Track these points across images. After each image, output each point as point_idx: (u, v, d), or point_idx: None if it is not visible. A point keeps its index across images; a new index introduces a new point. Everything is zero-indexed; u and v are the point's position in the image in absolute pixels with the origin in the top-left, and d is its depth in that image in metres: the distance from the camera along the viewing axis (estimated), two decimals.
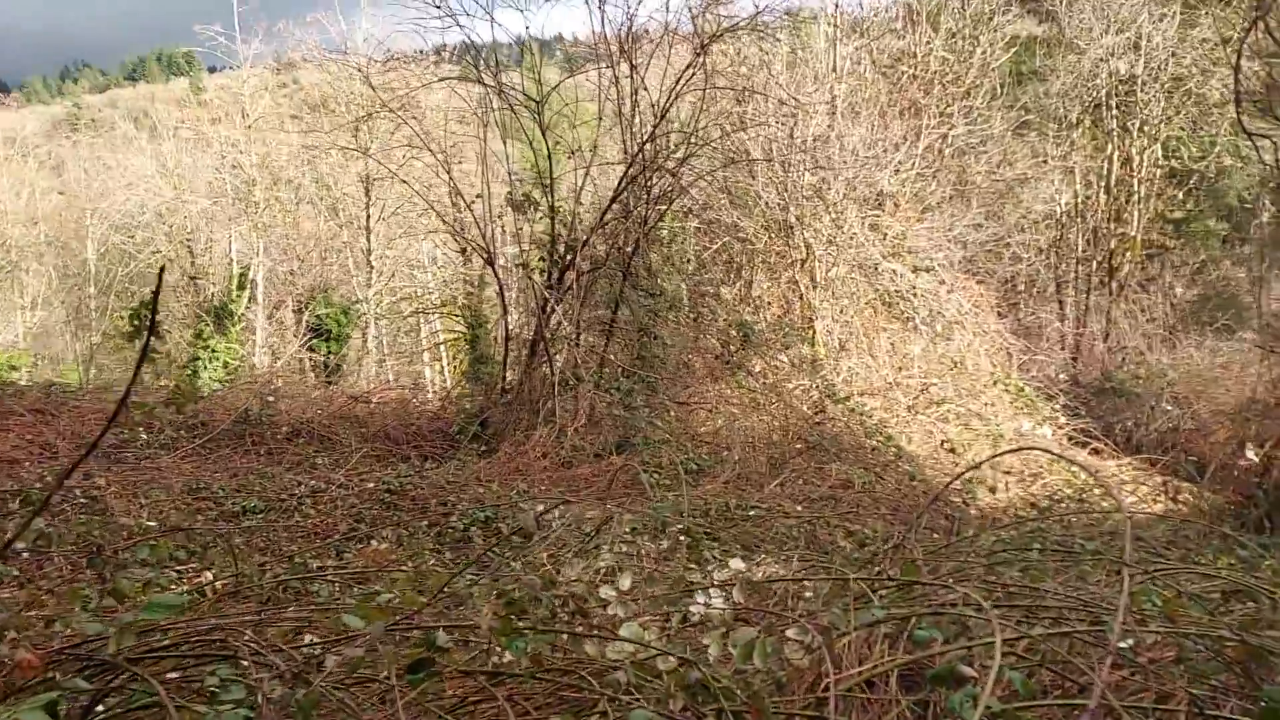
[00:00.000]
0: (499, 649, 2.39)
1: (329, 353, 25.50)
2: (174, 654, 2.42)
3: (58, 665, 2.26)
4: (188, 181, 30.30)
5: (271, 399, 11.56)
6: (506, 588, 2.41)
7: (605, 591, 3.20)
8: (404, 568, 5.02)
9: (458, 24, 10.86)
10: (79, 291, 32.62)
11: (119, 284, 32.02)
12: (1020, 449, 11.40)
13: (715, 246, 14.57)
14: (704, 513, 7.94)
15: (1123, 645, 2.87)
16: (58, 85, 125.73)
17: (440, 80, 11.93)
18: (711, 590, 3.35)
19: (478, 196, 11.20)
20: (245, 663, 2.16)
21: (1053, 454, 8.64)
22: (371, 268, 26.67)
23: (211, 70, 41.03)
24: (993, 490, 9.40)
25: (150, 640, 2.54)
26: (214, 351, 26.25)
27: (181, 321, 29.90)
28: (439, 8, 10.35)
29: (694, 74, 10.57)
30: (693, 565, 5.44)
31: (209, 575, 5.34)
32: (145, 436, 9.91)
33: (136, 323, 2.47)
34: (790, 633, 2.96)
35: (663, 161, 10.79)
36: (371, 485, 8.14)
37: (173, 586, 5.18)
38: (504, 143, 10.87)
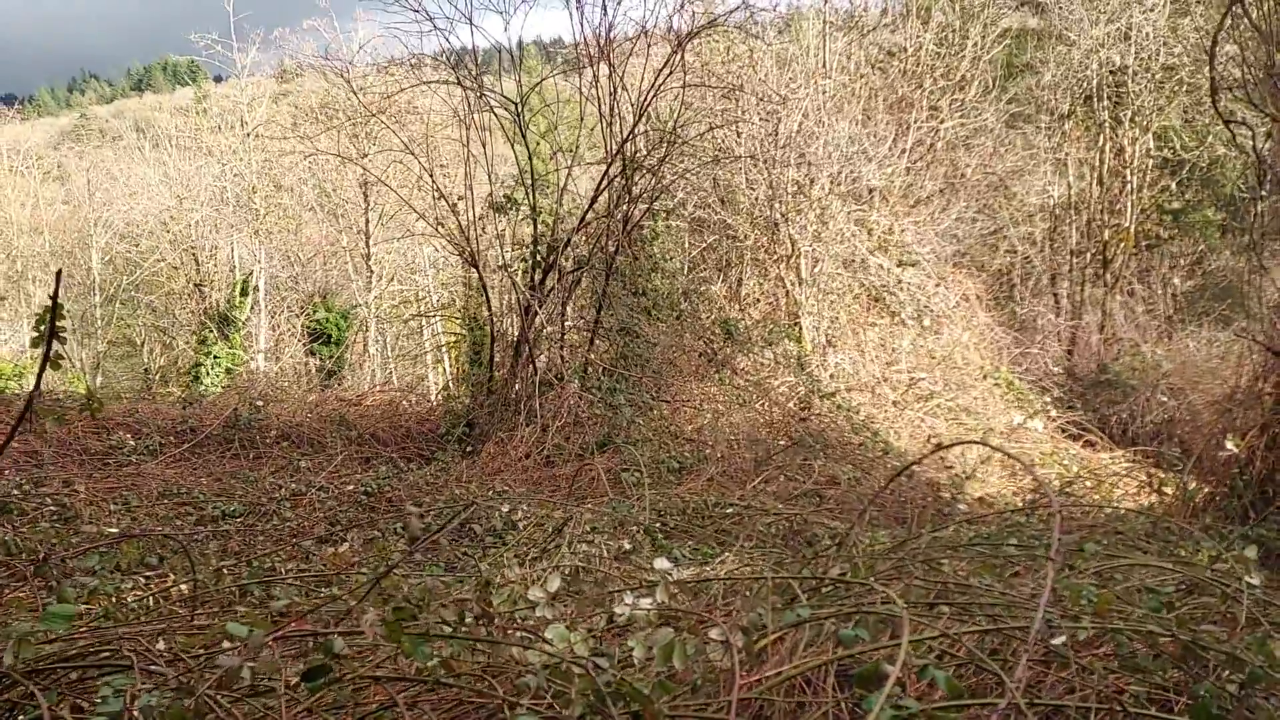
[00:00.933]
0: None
1: (329, 357, 25.59)
2: (78, 665, 2.43)
3: None
4: (190, 190, 30.48)
5: (260, 403, 11.60)
6: (398, 591, 2.41)
7: (534, 593, 3.21)
8: (363, 571, 5.03)
9: (435, 27, 10.87)
10: (84, 300, 32.83)
11: (124, 292, 32.21)
12: (959, 443, 11.39)
13: (704, 245, 14.57)
14: (681, 510, 7.94)
15: (1056, 642, 2.86)
16: (65, 97, 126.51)
17: (420, 84, 11.93)
18: (644, 590, 3.35)
19: (460, 198, 11.22)
20: (136, 673, 2.17)
21: (994, 448, 8.57)
22: (371, 272, 26.79)
23: (217, 80, 41.26)
24: (958, 486, 9.36)
25: (64, 649, 2.56)
26: (216, 358, 26.42)
27: (187, 328, 30.12)
28: (416, 12, 10.37)
29: (672, 72, 10.57)
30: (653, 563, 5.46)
31: (172, 580, 5.38)
32: (132, 443, 9.97)
33: (40, 329, 2.46)
34: (712, 633, 2.96)
35: (643, 160, 10.80)
36: (351, 488, 8.16)
37: (133, 594, 5.22)
38: (483, 145, 10.88)
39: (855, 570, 3.77)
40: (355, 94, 12.84)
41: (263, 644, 2.02)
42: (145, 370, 32.04)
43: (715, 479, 9.43)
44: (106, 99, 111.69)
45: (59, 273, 2.34)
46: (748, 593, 3.72)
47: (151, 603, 5.03)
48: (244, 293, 27.96)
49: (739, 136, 13.84)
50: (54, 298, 2.53)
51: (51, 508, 6.29)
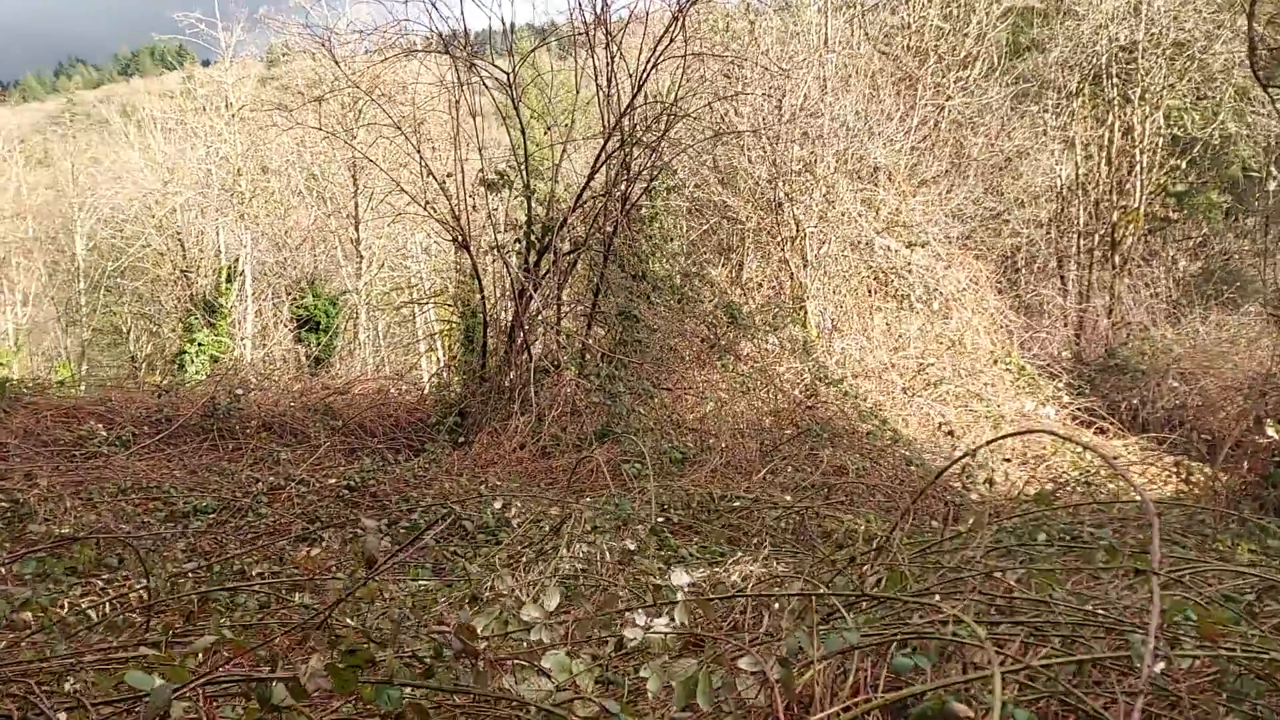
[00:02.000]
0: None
1: (317, 344, 25.05)
2: None
3: None
4: (174, 174, 29.88)
5: (240, 392, 11.09)
6: (351, 629, 1.92)
7: (528, 612, 2.72)
8: (338, 575, 4.54)
9: None
10: (69, 287, 32.25)
11: (109, 279, 31.61)
12: (1025, 431, 10.89)
13: (705, 227, 14.05)
14: (686, 504, 7.47)
15: (1157, 669, 2.39)
16: (52, 82, 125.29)
17: (409, 53, 11.36)
18: (656, 606, 2.88)
19: (448, 175, 10.68)
20: None
21: (1059, 436, 8.12)
22: (361, 257, 26.21)
23: (205, 64, 40.53)
24: (990, 483, 8.88)
25: None
26: (201, 345, 25.86)
27: (173, 315, 29.55)
28: None
29: (671, 41, 10.03)
30: (661, 565, 4.99)
31: (129, 585, 4.89)
32: (103, 433, 9.45)
33: None
34: (743, 663, 2.47)
35: (641, 135, 10.27)
36: (333, 481, 7.67)
37: (87, 599, 4.73)
38: (474, 120, 10.34)
39: (898, 579, 3.30)
40: (339, 65, 12.28)
41: (169, 700, 1.54)
42: (132, 358, 31.49)
43: (720, 470, 8.96)
44: (94, 84, 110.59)
45: None
46: (776, 606, 3.24)
47: (107, 609, 4.55)
48: (230, 279, 27.38)
49: (740, 112, 13.32)
50: None
51: (3, 504, 5.79)
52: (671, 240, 12.88)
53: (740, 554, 5.36)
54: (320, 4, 25.04)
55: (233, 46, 29.14)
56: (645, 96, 10.43)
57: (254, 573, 5.24)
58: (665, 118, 10.39)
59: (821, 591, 2.90)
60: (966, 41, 17.15)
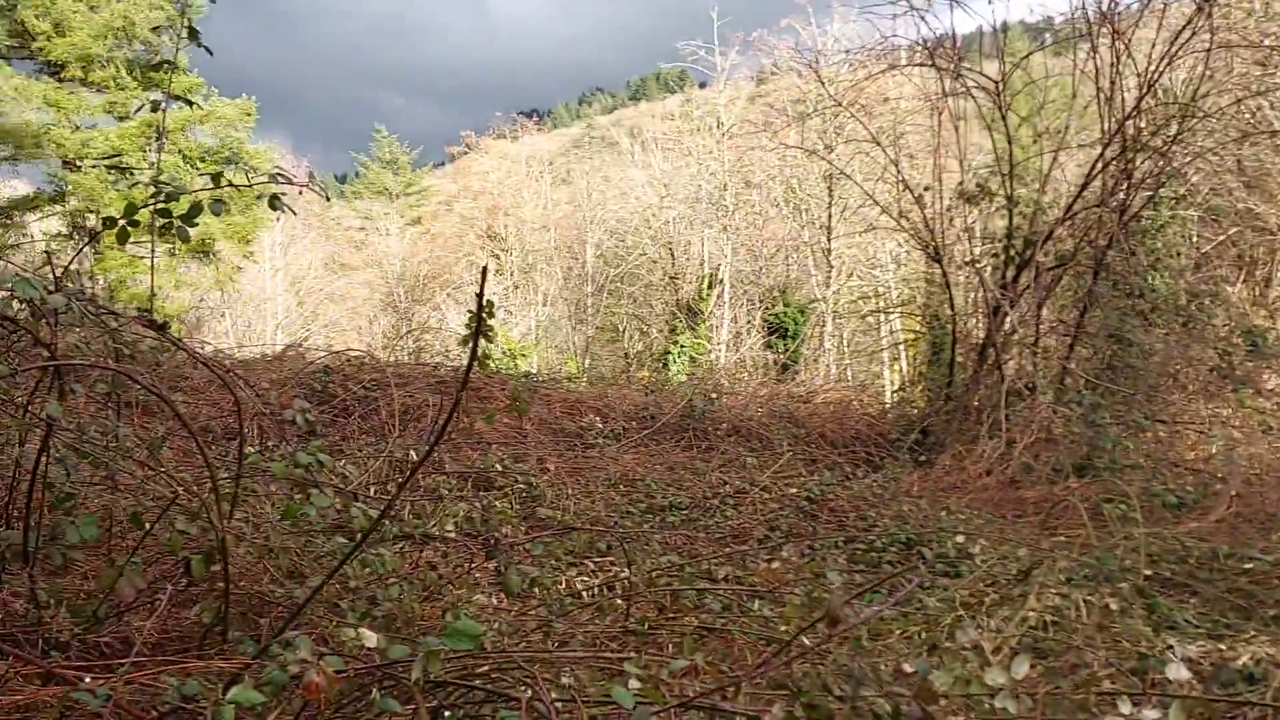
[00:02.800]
0: None
1: (784, 350, 25.98)
2: (476, 686, 2.26)
3: (363, 683, 2.20)
4: (669, 189, 32.80)
5: (715, 395, 11.81)
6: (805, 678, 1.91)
7: (993, 676, 2.53)
8: (795, 593, 4.63)
9: (912, 7, 10.17)
10: (579, 290, 36.79)
11: (610, 283, 35.48)
12: None
13: (1220, 238, 12.20)
14: (1181, 559, 6.54)
15: None
16: (576, 109, 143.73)
17: (891, 69, 11.30)
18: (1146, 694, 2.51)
19: (926, 188, 10.44)
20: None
21: None
22: (831, 266, 26.74)
23: (701, 86, 43.96)
24: None
25: (466, 662, 2.43)
26: (682, 346, 28.09)
27: (661, 318, 32.58)
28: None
29: (1194, 34, 8.83)
30: (1148, 631, 4.39)
31: (614, 572, 5.43)
32: (600, 425, 10.60)
33: (470, 326, 2.31)
34: None
35: (1148, 139, 9.17)
36: (794, 491, 7.86)
37: (579, 580, 5.33)
38: (955, 130, 9.98)
39: None
40: (823, 84, 12.57)
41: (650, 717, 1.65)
42: (625, 355, 35.02)
43: (1228, 521, 7.71)
44: (608, 109, 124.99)
45: (484, 270, 2.15)
46: None
47: (595, 593, 5.09)
48: (710, 285, 29.46)
49: (1277, 107, 11.34)
50: (480, 295, 2.39)
51: (520, 485, 6.74)
52: (1178, 254, 11.37)
53: (1253, 629, 4.55)
54: (811, 25, 25.82)
55: (726, 70, 31.30)
56: (1155, 96, 9.31)
57: (720, 576, 5.53)
58: (1179, 119, 9.18)
59: None
60: None
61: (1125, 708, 2.23)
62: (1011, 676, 2.30)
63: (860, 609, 2.23)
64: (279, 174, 2.74)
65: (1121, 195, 9.44)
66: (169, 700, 1.83)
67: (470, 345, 2.47)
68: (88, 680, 1.70)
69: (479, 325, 2.47)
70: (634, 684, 1.90)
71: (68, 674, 1.78)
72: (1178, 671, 2.30)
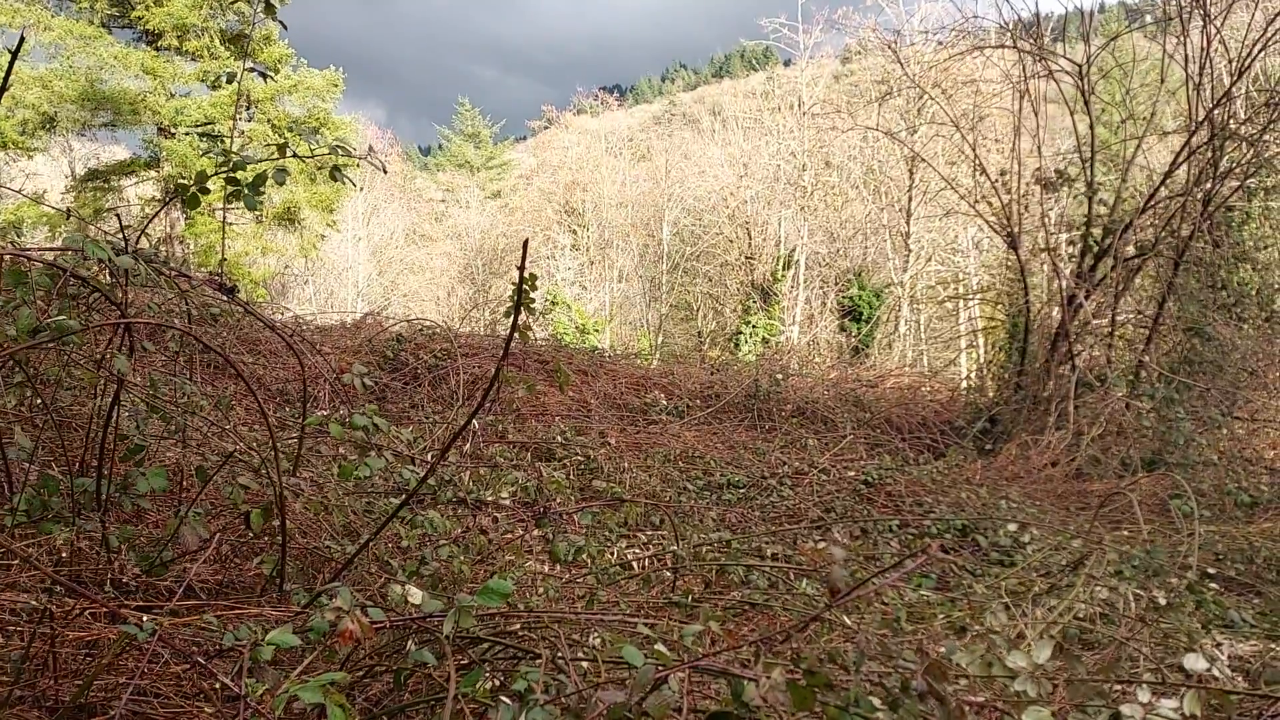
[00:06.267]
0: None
1: (858, 334, 25.73)
2: (499, 641, 2.39)
3: (397, 634, 2.34)
4: (748, 168, 32.58)
5: (780, 376, 11.80)
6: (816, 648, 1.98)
7: (1014, 659, 2.57)
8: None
9: None
10: (654, 267, 36.85)
11: (686, 261, 35.45)
12: None
13: None
14: (1248, 558, 6.38)
15: None
16: (659, 86, 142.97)
17: (973, 50, 11.06)
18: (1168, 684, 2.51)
19: (1002, 173, 10.23)
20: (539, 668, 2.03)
21: None
22: (909, 250, 26.32)
23: (785, 64, 43.42)
24: None
25: (493, 621, 2.56)
26: (754, 326, 28.01)
27: (735, 297, 32.48)
28: None
29: None
30: (1196, 628, 4.32)
31: (663, 545, 5.54)
32: (664, 402, 10.70)
33: (514, 298, 2.43)
34: None
35: (1237, 128, 8.85)
36: (852, 474, 7.87)
37: (630, 551, 5.45)
38: (1035, 114, 9.76)
39: None
40: (903, 65, 12.37)
41: (652, 681, 1.75)
42: (697, 333, 35.02)
43: None
44: (691, 86, 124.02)
45: (525, 243, 2.26)
46: None
47: (644, 565, 5.21)
48: (786, 266, 29.27)
49: None
50: (521, 268, 2.50)
51: (579, 458, 6.89)
52: (1267, 247, 10.95)
53: None
54: (897, 3, 25.34)
55: (810, 48, 30.91)
56: (1247, 81, 8.97)
57: (769, 553, 5.60)
58: (1271, 107, 8.83)
59: None
60: None
61: (1144, 696, 2.25)
62: (1032, 660, 2.33)
63: (871, 581, 2.28)
64: (339, 146, 2.88)
65: (1208, 185, 9.13)
66: (219, 640, 1.99)
67: (511, 318, 2.59)
68: (145, 620, 1.86)
69: (519, 297, 2.58)
70: (660, 647, 1.99)
71: (129, 614, 1.95)
72: (1195, 663, 2.31)
